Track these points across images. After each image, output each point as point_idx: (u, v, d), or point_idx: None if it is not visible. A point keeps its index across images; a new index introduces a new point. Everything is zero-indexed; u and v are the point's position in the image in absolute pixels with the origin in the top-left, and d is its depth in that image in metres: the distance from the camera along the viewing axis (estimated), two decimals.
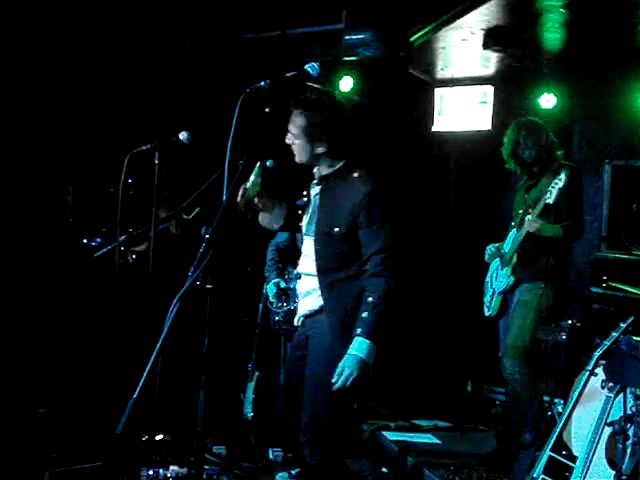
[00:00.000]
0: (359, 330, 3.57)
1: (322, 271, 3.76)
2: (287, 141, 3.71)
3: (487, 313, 5.39)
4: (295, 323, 4.00)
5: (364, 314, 3.60)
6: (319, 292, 3.76)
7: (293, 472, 5.10)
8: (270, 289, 5.65)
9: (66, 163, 6.46)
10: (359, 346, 3.55)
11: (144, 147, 4.31)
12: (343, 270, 3.73)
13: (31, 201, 6.22)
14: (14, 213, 6.08)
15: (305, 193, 3.89)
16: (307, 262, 3.86)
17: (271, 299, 5.64)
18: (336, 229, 3.71)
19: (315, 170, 3.86)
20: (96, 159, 6.44)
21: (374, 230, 3.67)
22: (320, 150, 3.73)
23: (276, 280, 5.65)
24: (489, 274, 5.45)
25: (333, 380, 3.55)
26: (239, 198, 3.52)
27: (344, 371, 3.55)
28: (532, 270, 5.14)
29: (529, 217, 4.99)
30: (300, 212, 3.90)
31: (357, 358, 3.54)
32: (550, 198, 4.74)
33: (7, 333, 5.64)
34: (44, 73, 6.12)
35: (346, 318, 3.66)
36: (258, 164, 3.55)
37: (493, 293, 5.34)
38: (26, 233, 6.08)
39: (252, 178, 3.55)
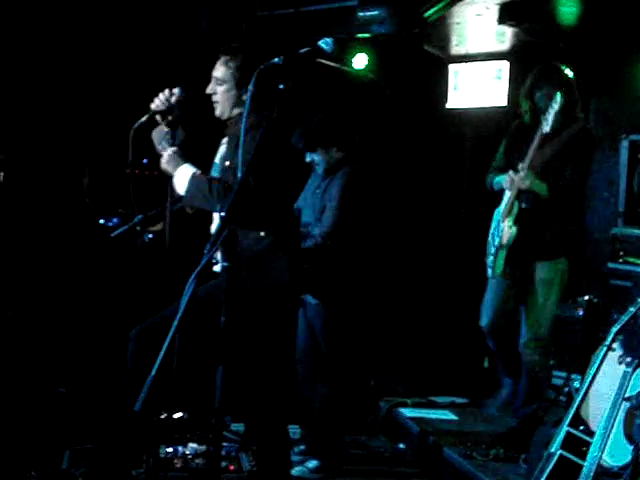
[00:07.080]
0: None
1: None
2: None
3: (490, 273, 5.12)
4: None
5: None
6: None
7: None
8: None
9: (82, 144, 6.48)
10: None
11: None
12: None
13: (48, 183, 6.25)
14: (31, 195, 6.12)
15: None
16: None
17: None
18: None
19: None
20: (112, 140, 6.45)
21: None
22: None
23: None
24: (491, 233, 5.18)
25: None
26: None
27: None
28: (548, 247, 5.03)
29: (520, 172, 4.81)
30: None
31: None
32: (547, 126, 4.54)
33: (27, 313, 5.68)
34: (60, 54, 6.13)
35: None
36: None
37: (497, 249, 5.03)
38: (43, 215, 6.12)
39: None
